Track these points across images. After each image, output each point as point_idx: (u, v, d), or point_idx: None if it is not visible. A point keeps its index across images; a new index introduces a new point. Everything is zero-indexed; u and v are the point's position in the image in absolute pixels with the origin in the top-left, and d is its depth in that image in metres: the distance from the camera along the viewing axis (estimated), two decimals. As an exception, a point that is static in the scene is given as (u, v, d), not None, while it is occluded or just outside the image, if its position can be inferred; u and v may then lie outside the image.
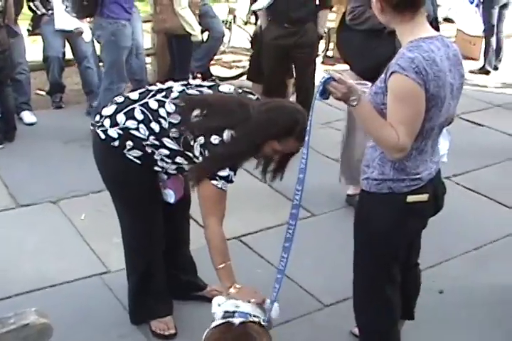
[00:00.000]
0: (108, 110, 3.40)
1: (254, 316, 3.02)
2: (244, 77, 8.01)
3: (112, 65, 6.60)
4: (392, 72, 2.76)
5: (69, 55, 7.45)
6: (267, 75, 6.57)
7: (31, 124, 6.99)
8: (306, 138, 3.00)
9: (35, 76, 7.82)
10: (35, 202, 5.33)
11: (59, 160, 6.08)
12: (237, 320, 2.96)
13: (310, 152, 5.69)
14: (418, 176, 2.97)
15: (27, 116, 7.04)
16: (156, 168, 3.41)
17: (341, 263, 4.50)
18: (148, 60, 8.18)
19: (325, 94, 2.89)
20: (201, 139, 3.13)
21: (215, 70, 8.91)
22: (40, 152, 6.24)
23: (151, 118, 3.26)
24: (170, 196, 3.55)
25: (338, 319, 3.99)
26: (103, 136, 3.36)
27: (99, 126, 3.38)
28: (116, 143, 3.33)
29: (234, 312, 3.00)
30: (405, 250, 3.26)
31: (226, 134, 3.10)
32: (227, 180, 3.15)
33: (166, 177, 3.49)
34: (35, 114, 7.15)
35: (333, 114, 7.19)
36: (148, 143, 3.29)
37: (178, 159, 3.32)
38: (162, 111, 3.26)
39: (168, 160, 3.34)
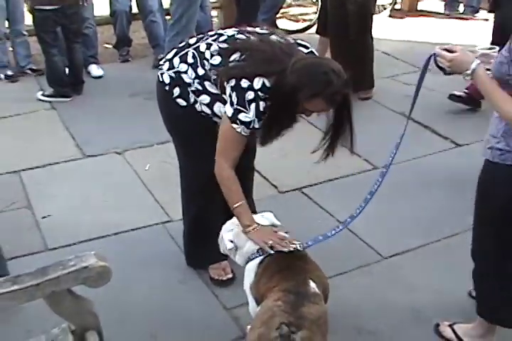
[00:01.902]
0: (170, 54, 3.48)
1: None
2: (312, 30, 7.93)
3: (181, 17, 6.61)
4: None
5: (136, 9, 7.48)
6: (331, 27, 6.40)
7: (98, 77, 7.09)
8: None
9: (102, 30, 7.90)
10: (101, 153, 5.43)
11: (125, 113, 6.16)
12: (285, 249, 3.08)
13: (374, 105, 5.65)
14: None
15: (94, 70, 7.13)
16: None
17: (403, 217, 4.52)
18: (214, 13, 8.16)
19: (441, 69, 2.88)
20: (232, 81, 3.11)
21: (282, 23, 8.81)
22: (106, 104, 6.34)
23: (198, 62, 3.29)
24: None
25: (396, 271, 4.00)
26: (161, 79, 3.45)
27: (160, 69, 3.48)
28: (167, 88, 3.40)
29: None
30: None
31: (257, 81, 3.06)
32: (248, 126, 3.11)
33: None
34: (102, 67, 7.25)
35: (399, 67, 7.12)
36: (192, 88, 3.32)
37: (217, 107, 3.32)
38: (207, 53, 3.27)
39: (208, 111, 3.36)
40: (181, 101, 3.39)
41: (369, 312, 3.66)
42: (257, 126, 3.13)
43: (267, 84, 3.06)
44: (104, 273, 2.52)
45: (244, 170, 3.83)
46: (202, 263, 3.95)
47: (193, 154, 3.60)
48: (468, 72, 2.73)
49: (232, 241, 3.19)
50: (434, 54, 2.85)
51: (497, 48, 2.93)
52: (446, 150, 5.52)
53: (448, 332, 3.50)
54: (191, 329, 3.55)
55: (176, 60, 3.38)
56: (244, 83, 3.07)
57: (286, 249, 3.07)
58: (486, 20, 9.41)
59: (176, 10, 6.69)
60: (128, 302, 3.71)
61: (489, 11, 6.01)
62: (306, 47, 3.34)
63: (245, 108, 3.08)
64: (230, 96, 3.12)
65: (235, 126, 3.12)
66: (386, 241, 4.27)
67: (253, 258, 3.13)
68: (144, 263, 4.03)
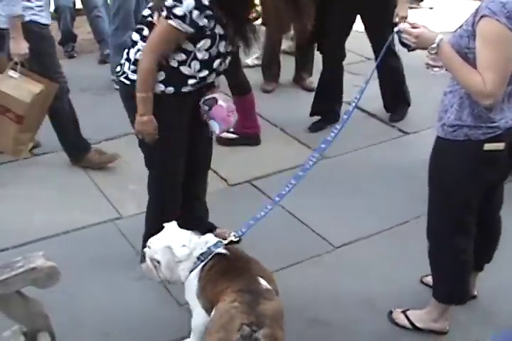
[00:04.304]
0: (123, 57, 3.45)
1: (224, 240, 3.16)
2: (257, 21, 7.91)
3: (118, 10, 6.55)
4: (482, 16, 2.68)
5: (80, 5, 7.40)
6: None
7: (44, 74, 6.97)
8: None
9: (46, 26, 7.78)
10: (49, 151, 5.35)
11: (73, 109, 6.06)
12: (222, 250, 3.08)
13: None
14: (495, 124, 2.90)
15: (40, 67, 7.01)
16: (185, 89, 3.38)
17: (353, 206, 4.55)
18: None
19: (405, 46, 2.97)
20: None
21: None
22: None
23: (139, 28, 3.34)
24: (214, 127, 3.60)
25: (347, 260, 4.02)
26: (127, 82, 3.40)
27: (121, 75, 3.43)
28: None
29: (209, 248, 3.08)
30: (479, 200, 3.16)
31: None
32: (184, 20, 3.11)
33: (207, 108, 3.53)
34: (48, 63, 7.12)
35: (346, 57, 7.13)
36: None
37: (193, 64, 3.31)
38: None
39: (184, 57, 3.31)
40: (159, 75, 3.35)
41: (322, 303, 3.68)
42: (199, 22, 3.14)
43: None
44: (53, 274, 2.51)
45: (203, 173, 3.84)
46: None
47: (167, 151, 3.57)
48: (434, 45, 2.80)
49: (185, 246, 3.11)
50: (399, 30, 2.91)
51: None
52: (394, 139, 5.58)
53: (401, 319, 3.54)
54: (145, 326, 3.53)
55: (131, 53, 3.36)
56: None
57: None
58: (431, 8, 9.53)
59: (114, 4, 6.64)
60: (80, 301, 3.66)
61: None
62: None
63: (180, 2, 3.09)
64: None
65: (170, 21, 3.13)
66: (337, 230, 4.29)
67: (195, 267, 3.08)
68: (95, 261, 4.00)
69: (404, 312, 3.56)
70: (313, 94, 5.84)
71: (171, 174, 3.66)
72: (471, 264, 3.35)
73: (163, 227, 3.33)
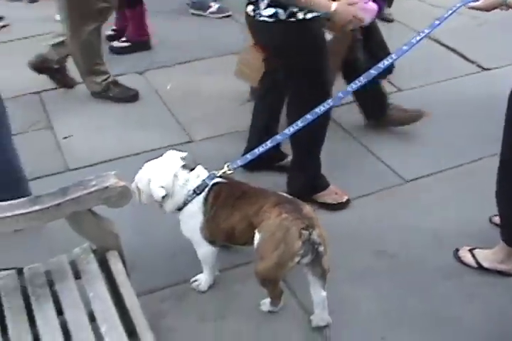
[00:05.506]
0: None
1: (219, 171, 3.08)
2: None
3: None
4: None
5: None
6: None
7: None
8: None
9: None
10: (121, 73, 5.35)
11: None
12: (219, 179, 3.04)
13: (400, 27, 5.48)
14: None
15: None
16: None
17: (426, 141, 4.48)
18: None
19: None
20: None
21: None
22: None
23: None
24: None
25: (418, 195, 3.97)
26: (270, 19, 3.29)
27: (255, 16, 3.33)
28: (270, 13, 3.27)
29: (203, 180, 3.02)
30: None
31: None
32: None
33: None
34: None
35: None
36: None
37: None
38: None
39: None
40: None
41: (389, 235, 3.65)
42: None
43: None
44: (125, 193, 2.51)
45: None
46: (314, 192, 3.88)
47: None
48: (503, 5, 2.87)
49: (163, 187, 2.99)
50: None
51: None
52: (474, 74, 5.44)
53: (467, 257, 3.49)
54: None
55: None
56: None
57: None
58: None
59: None
60: (150, 222, 3.68)
61: None
62: None
63: None
64: None
65: None
66: (409, 164, 4.24)
67: (190, 200, 3.02)
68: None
69: (471, 250, 3.51)
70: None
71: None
72: None
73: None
